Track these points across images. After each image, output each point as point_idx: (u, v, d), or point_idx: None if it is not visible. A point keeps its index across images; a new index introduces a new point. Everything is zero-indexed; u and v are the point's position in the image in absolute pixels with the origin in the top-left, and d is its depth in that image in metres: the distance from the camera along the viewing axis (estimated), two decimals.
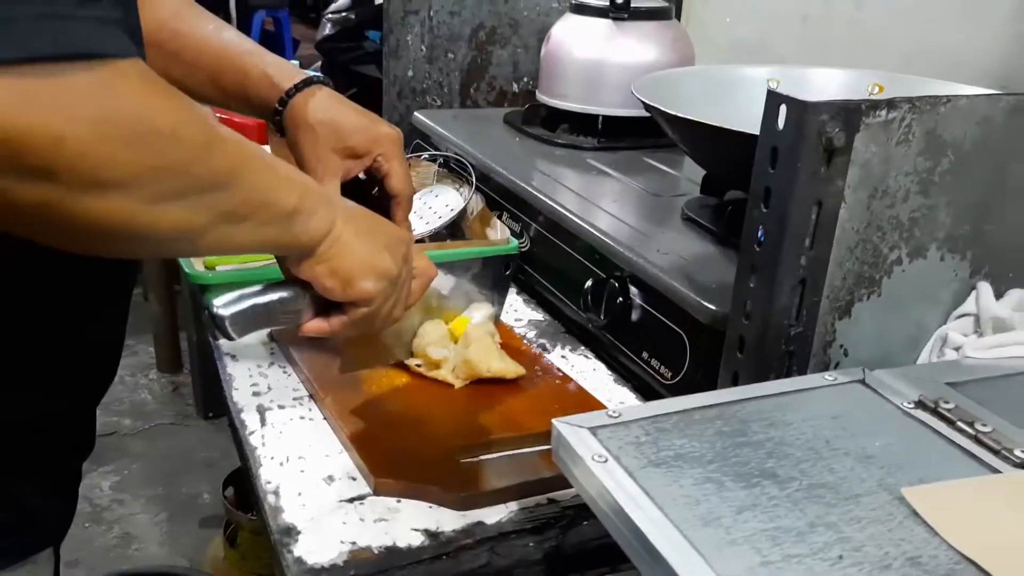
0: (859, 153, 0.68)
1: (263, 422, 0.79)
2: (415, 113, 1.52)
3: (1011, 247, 0.79)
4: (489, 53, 1.70)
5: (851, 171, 0.68)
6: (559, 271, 1.06)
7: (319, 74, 0.86)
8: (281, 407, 0.81)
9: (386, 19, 1.62)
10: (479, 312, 0.87)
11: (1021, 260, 0.79)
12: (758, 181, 0.70)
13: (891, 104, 0.68)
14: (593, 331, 0.97)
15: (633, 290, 0.92)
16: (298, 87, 0.83)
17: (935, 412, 0.62)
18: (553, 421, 0.59)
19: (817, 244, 0.70)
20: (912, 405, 0.63)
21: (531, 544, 0.66)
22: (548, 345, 0.98)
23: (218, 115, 1.36)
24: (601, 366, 0.95)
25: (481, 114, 1.60)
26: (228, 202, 0.54)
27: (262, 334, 0.93)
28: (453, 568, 0.64)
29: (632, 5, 1.36)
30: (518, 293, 1.12)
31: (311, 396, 0.83)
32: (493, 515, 0.68)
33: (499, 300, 0.93)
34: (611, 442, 0.58)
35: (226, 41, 0.84)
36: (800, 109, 0.66)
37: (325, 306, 0.68)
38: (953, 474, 0.56)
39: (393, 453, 0.73)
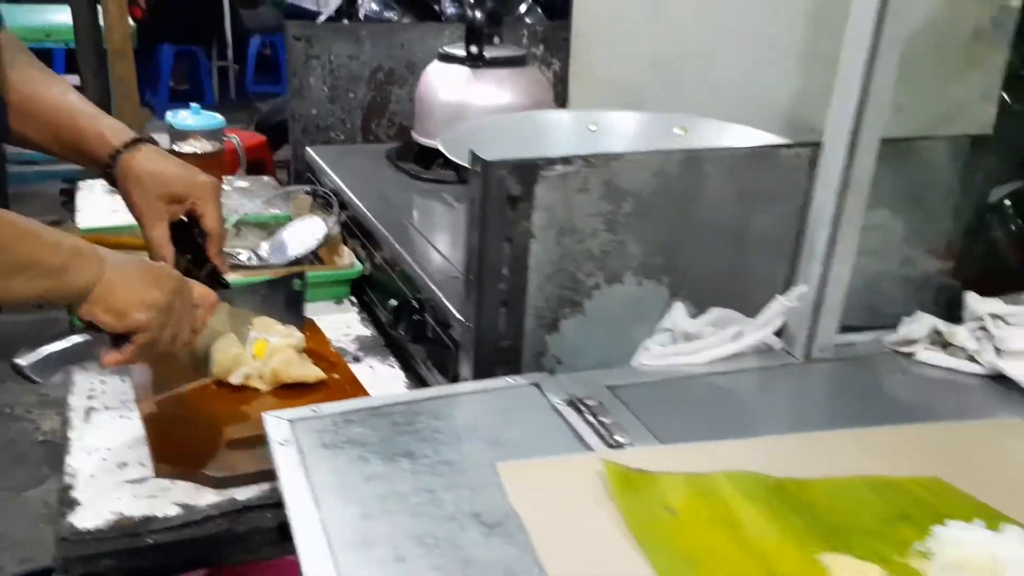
0: (542, 200, 0.84)
1: (87, 420, 0.95)
2: (306, 148, 1.69)
3: (703, 274, 0.94)
4: (388, 92, 1.87)
5: (536, 214, 0.84)
6: (386, 292, 1.22)
7: (146, 135, 1.03)
8: (107, 408, 0.98)
9: (289, 64, 1.79)
10: (280, 334, 1.03)
11: (714, 284, 0.95)
12: (469, 221, 0.86)
13: (566, 160, 0.84)
14: (400, 343, 1.13)
15: (429, 310, 1.08)
16: (127, 145, 0.98)
17: (575, 407, 0.78)
18: (263, 414, 0.75)
19: (513, 273, 0.86)
20: (562, 402, 0.79)
21: (269, 515, 0.82)
22: (362, 356, 1.14)
23: None
24: (401, 374, 1.11)
25: (372, 149, 1.76)
26: None
27: None
28: (198, 533, 0.80)
29: (493, 55, 1.53)
30: (358, 312, 1.28)
31: (136, 401, 0.99)
32: (246, 493, 0.84)
33: (296, 317, 1.09)
34: (300, 430, 0.74)
35: (69, 103, 1.00)
36: (486, 165, 0.82)
37: (117, 340, 0.84)
38: (558, 453, 0.71)
39: (178, 444, 0.89)
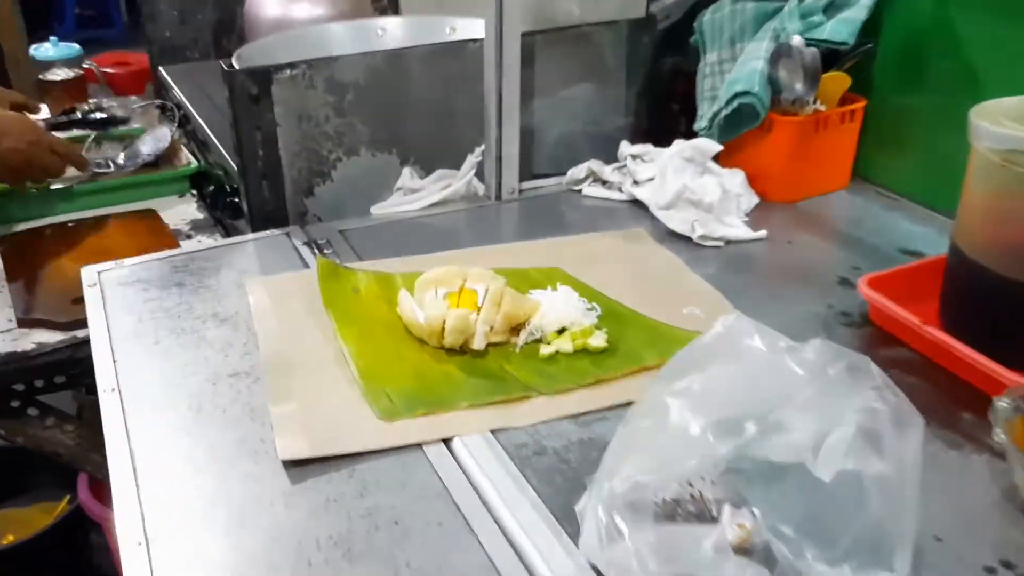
0: (278, 96, 1.13)
1: None
2: (159, 68, 1.94)
3: (424, 144, 1.24)
4: (233, 11, 2.10)
5: (277, 108, 1.13)
6: (214, 184, 1.51)
7: None
8: None
9: None
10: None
11: (434, 151, 1.25)
12: (234, 117, 1.14)
13: (292, 65, 1.12)
14: (223, 221, 1.43)
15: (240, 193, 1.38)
16: None
17: (310, 246, 1.09)
18: (82, 268, 1.05)
19: (267, 153, 1.15)
20: (301, 244, 1.10)
21: None
22: (193, 234, 1.43)
23: None
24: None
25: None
26: None
27: None
28: (49, 359, 1.11)
29: None
30: (197, 202, 1.57)
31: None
32: (84, 333, 1.14)
33: None
34: (105, 276, 1.04)
35: None
36: (228, 72, 1.10)
37: None
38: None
39: (35, 304, 1.19)
